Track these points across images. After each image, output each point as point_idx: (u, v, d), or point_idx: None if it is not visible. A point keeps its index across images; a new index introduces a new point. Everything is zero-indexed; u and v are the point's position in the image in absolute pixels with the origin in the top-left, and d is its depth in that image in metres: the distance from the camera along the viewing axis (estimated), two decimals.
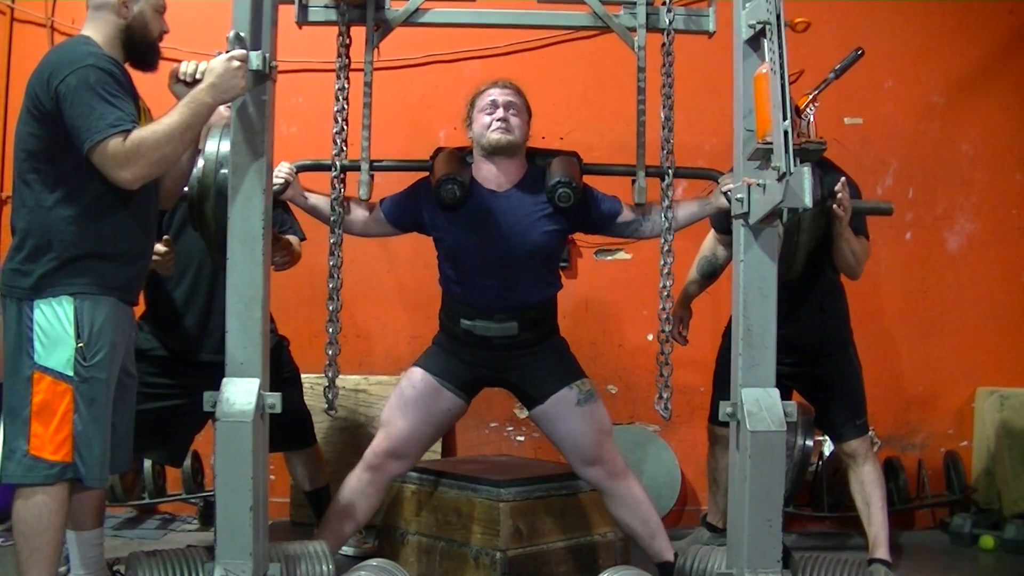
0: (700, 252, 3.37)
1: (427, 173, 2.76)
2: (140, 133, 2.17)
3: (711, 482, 3.41)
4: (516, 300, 2.73)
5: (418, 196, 2.79)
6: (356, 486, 2.72)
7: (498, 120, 2.69)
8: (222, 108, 3.10)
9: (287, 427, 2.89)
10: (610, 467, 2.71)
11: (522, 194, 2.73)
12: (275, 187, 2.56)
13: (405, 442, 2.73)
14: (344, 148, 2.56)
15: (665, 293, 2.60)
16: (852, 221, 2.89)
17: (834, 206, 2.79)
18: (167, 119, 2.20)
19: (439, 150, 2.80)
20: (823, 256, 2.97)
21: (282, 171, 2.64)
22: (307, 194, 2.73)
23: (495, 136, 2.68)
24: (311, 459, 3.30)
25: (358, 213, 2.78)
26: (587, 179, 2.73)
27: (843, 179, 2.82)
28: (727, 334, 3.24)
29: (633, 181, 2.64)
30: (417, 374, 2.81)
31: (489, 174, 2.74)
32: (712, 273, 3.37)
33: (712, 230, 3.33)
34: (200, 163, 2.46)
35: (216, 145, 2.44)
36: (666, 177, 2.60)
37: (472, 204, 2.70)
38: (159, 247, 2.89)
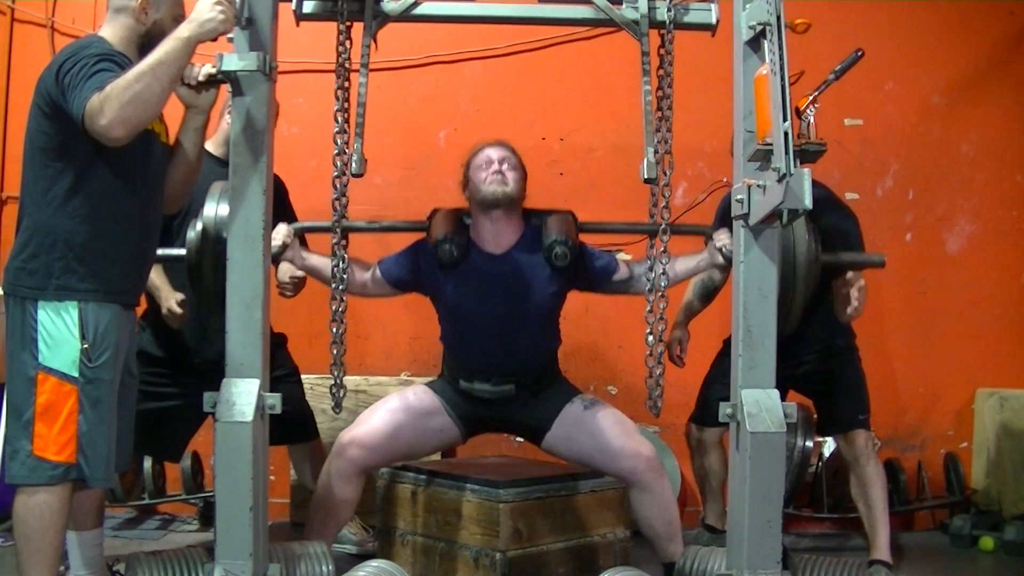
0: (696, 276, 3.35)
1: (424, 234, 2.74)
2: (113, 80, 2.10)
3: (702, 486, 3.41)
4: (514, 363, 2.73)
5: (416, 256, 2.78)
6: (323, 479, 2.72)
7: (494, 173, 2.69)
8: (224, 121, 3.13)
9: (287, 423, 2.89)
10: (648, 459, 2.68)
11: (520, 256, 2.72)
12: (273, 250, 2.52)
13: (374, 434, 2.69)
14: (344, 151, 2.54)
15: (660, 326, 2.58)
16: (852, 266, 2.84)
17: (848, 310, 2.77)
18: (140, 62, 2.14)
19: (435, 211, 2.78)
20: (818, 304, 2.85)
21: (280, 233, 2.59)
22: (306, 255, 2.71)
23: (491, 188, 2.67)
24: (314, 455, 3.30)
25: (357, 274, 2.76)
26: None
27: (862, 284, 2.75)
28: (729, 339, 3.24)
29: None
30: (421, 388, 2.84)
31: (487, 233, 2.72)
32: (709, 295, 3.36)
33: None
34: (198, 226, 2.44)
35: (214, 209, 2.41)
36: (663, 236, 2.56)
37: (470, 266, 2.70)
38: (175, 307, 2.92)
